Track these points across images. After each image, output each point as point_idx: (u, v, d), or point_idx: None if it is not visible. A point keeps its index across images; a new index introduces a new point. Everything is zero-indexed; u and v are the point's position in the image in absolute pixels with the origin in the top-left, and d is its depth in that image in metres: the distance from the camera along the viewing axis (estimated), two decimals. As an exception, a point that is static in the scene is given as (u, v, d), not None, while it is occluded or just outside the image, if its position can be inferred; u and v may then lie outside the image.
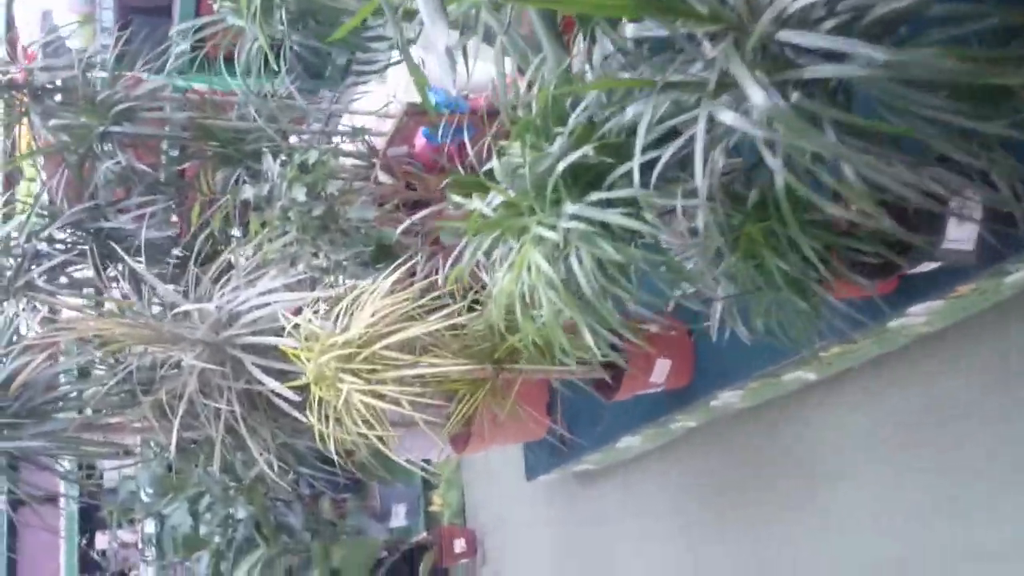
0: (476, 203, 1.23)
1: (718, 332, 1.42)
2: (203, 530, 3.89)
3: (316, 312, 1.89)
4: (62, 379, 2.38)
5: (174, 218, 2.71)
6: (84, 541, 5.74)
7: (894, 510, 1.75)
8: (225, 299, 2.21)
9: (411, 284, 1.89)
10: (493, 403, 2.01)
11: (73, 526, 6.11)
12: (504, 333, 1.92)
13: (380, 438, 1.80)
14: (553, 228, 1.06)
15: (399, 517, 4.08)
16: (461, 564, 4.02)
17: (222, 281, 2.27)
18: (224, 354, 2.24)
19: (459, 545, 3.92)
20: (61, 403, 2.32)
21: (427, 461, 4.18)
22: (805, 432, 1.97)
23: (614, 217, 1.01)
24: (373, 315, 1.78)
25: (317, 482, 4.04)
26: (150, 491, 4.36)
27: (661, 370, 2.04)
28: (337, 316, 1.83)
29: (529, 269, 1.08)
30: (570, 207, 1.06)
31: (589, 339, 1.07)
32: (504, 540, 3.72)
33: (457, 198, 1.53)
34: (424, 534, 4.07)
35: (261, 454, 2.22)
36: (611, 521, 2.85)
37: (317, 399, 1.83)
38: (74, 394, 2.41)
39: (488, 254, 1.35)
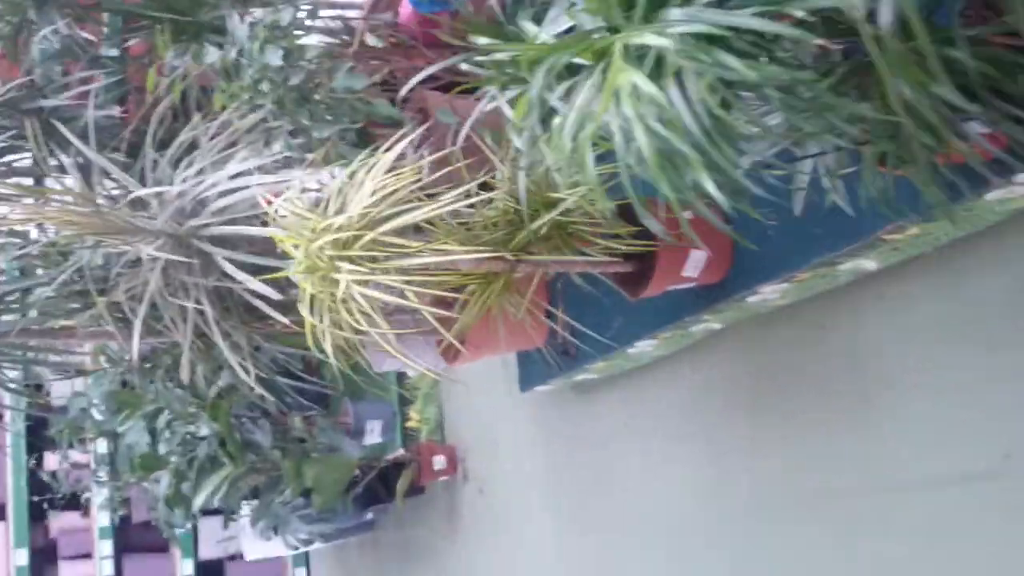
0: (533, 29, 0.97)
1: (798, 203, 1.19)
2: (162, 449, 3.65)
3: (301, 196, 1.63)
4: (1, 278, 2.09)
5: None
6: (33, 462, 5.45)
7: (971, 421, 1.56)
8: (189, 184, 1.92)
9: (409, 163, 1.61)
10: (507, 301, 1.77)
11: (20, 444, 5.82)
12: (529, 214, 1.68)
13: (382, 336, 1.56)
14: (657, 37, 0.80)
15: (374, 434, 3.87)
16: (440, 482, 3.84)
17: (183, 164, 1.98)
18: (190, 248, 1.97)
19: (438, 462, 3.74)
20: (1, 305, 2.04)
21: (403, 375, 3.96)
22: (859, 333, 1.77)
23: (746, 19, 0.76)
24: (374, 194, 1.52)
25: (286, 396, 3.81)
26: (102, 408, 4.09)
27: (696, 262, 1.82)
28: (328, 200, 1.57)
29: (618, 101, 0.83)
30: (676, 12, 0.81)
31: (710, 185, 0.83)
32: (488, 458, 3.54)
33: (486, 40, 1.26)
34: (401, 451, 3.87)
35: (237, 362, 1.96)
36: (614, 438, 2.66)
37: (308, 296, 1.58)
38: (14, 296, 2.12)
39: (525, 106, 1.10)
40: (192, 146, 2.03)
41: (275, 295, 1.85)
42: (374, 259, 1.53)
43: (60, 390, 5.74)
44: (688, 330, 2.13)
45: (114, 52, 2.21)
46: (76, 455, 5.47)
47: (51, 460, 6.05)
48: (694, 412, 2.31)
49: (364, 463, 3.74)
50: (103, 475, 4.87)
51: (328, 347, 1.57)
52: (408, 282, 1.54)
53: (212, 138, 1.91)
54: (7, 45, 2.11)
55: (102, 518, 6.08)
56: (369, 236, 1.49)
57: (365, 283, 1.51)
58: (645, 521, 2.54)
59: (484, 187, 1.79)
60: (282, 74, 1.75)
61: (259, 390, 2.58)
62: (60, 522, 6.21)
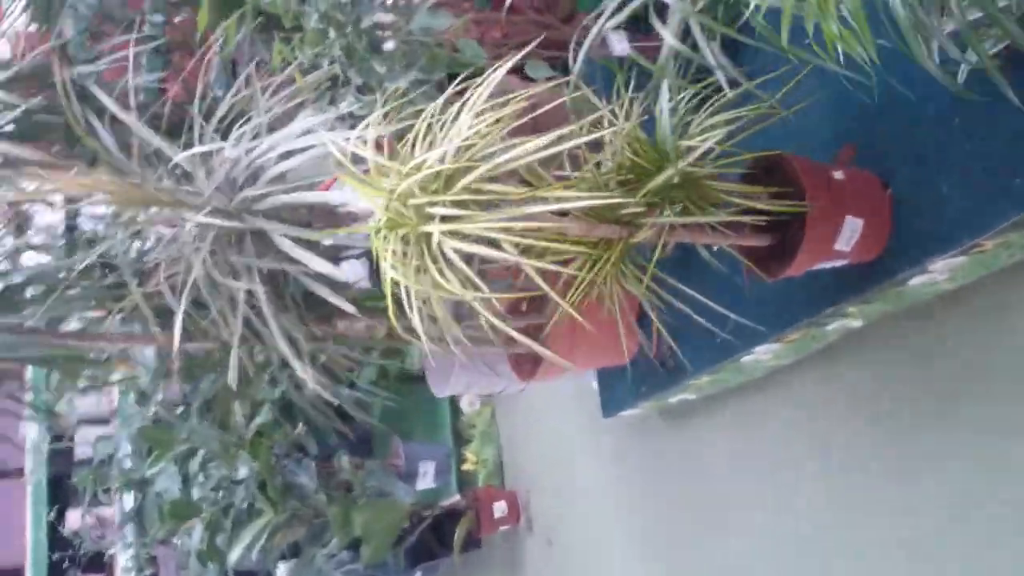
0: None
1: None
2: (195, 495, 3.35)
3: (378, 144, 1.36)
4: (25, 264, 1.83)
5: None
6: (52, 514, 5.16)
7: None
8: (241, 148, 1.67)
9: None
10: (618, 281, 1.48)
11: (41, 496, 5.55)
12: (650, 168, 1.40)
13: (487, 303, 1.27)
14: None
15: (427, 478, 3.55)
16: (501, 532, 3.50)
17: (234, 132, 1.73)
18: (242, 224, 1.70)
19: (499, 509, 3.40)
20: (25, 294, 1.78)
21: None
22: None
23: None
24: (471, 129, 1.25)
25: (330, 436, 3.51)
26: (130, 453, 3.81)
27: (851, 232, 1.52)
28: (414, 141, 1.30)
29: None
30: None
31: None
32: (558, 503, 3.20)
33: None
34: (457, 497, 3.54)
35: (292, 359, 1.68)
36: (718, 472, 2.33)
37: (389, 261, 1.30)
38: (34, 291, 1.86)
39: None
40: (243, 114, 1.78)
41: (341, 276, 1.57)
42: (472, 208, 1.25)
43: (84, 435, 5.49)
44: (823, 329, 1.82)
45: (158, 18, 1.99)
46: (100, 512, 5.19)
47: (73, 518, 5.77)
48: (824, 436, 1.98)
49: (417, 510, 3.41)
50: (129, 533, 4.58)
51: (416, 322, 1.28)
52: (511, 241, 1.26)
53: (270, 97, 1.65)
54: (38, 8, 1.89)
55: (126, 579, 5.74)
56: (470, 177, 1.21)
57: (461, 237, 1.23)
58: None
59: (594, 147, 1.52)
60: (352, 14, 1.51)
61: (312, 410, 2.30)
62: (83, 585, 5.88)
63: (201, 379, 3.65)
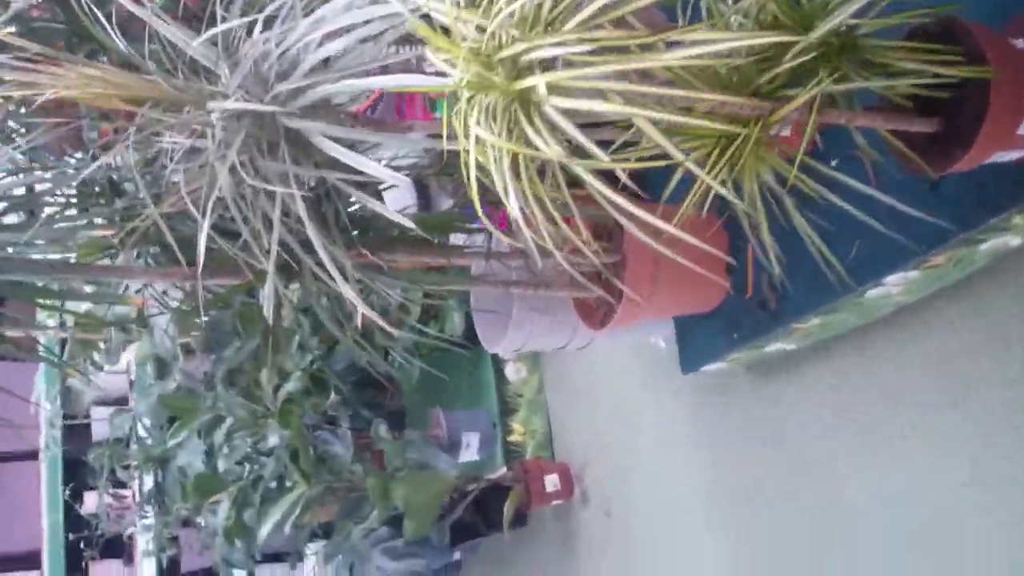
0: None
1: None
2: (221, 467, 3.09)
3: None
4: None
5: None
6: (68, 493, 4.94)
7: None
8: (273, 33, 1.38)
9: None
10: (756, 165, 1.18)
11: (56, 475, 5.32)
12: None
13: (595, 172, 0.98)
14: None
15: (470, 450, 3.28)
16: (551, 508, 3.22)
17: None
18: (275, 129, 1.42)
19: (551, 482, 3.13)
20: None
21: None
22: None
23: None
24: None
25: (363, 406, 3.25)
26: (149, 426, 3.57)
27: (1039, 111, 1.21)
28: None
29: None
30: None
31: None
32: (617, 473, 2.92)
33: None
34: (503, 470, 3.26)
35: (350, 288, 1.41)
36: (818, 435, 2.04)
37: (472, 127, 1.01)
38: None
39: None
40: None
41: (400, 178, 1.28)
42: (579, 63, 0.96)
43: (100, 415, 5.26)
44: (975, 249, 1.52)
45: None
46: (119, 493, 4.96)
47: (90, 500, 5.55)
48: (960, 389, 1.68)
49: (457, 486, 3.14)
50: (148, 512, 4.35)
51: (513, 208, 1.00)
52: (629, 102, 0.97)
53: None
54: None
55: (147, 567, 5.53)
56: (589, 10, 0.92)
57: (567, 92, 0.94)
58: (875, 553, 1.90)
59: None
60: None
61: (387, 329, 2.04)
62: (101, 572, 5.66)
63: (224, 347, 3.40)
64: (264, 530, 2.92)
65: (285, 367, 3.38)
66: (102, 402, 5.20)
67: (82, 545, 4.35)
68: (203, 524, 4.03)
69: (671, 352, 2.44)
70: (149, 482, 4.26)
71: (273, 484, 3.14)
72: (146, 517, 4.13)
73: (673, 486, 2.60)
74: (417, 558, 3.34)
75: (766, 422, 2.20)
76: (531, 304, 2.22)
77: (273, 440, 2.90)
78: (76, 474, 5.33)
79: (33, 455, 5.50)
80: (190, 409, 3.02)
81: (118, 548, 5.68)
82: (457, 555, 3.92)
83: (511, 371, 3.37)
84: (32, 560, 5.44)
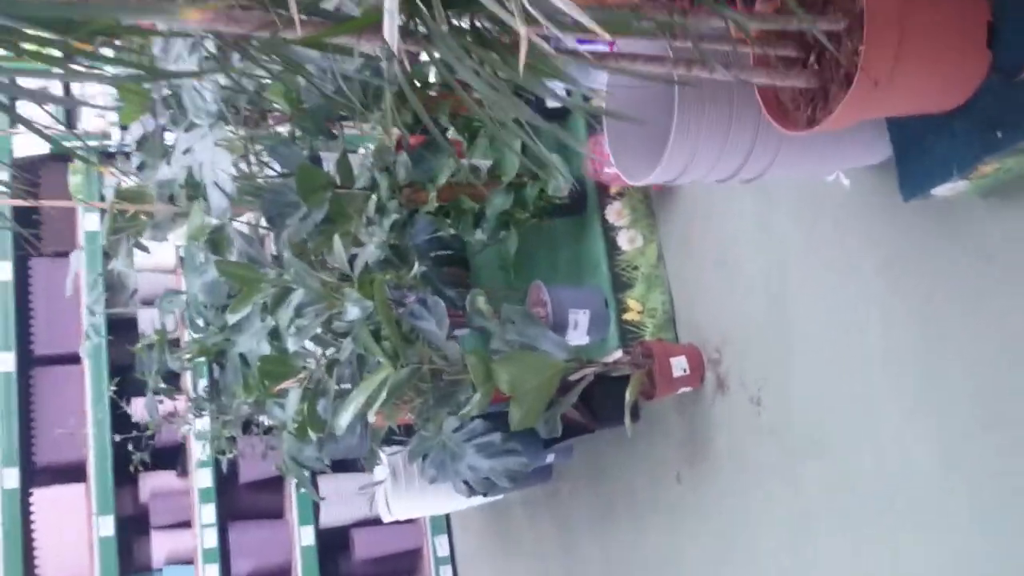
0: None
1: None
2: (290, 348, 2.67)
3: None
4: None
5: None
6: (114, 392, 4.59)
7: None
8: None
9: None
10: None
11: (101, 376, 5.01)
12: None
13: None
14: None
15: (579, 330, 2.83)
16: (677, 398, 2.77)
17: None
18: None
19: (678, 366, 2.68)
20: None
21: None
22: None
23: None
24: None
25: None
26: (204, 307, 3.16)
27: None
28: None
29: None
30: None
31: None
32: (765, 356, 2.45)
33: None
34: (617, 353, 2.82)
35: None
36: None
37: None
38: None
39: None
40: None
41: None
42: None
43: (145, 315, 4.89)
44: None
45: None
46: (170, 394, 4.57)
47: (140, 407, 5.22)
48: None
49: (571, 369, 2.70)
50: (204, 412, 3.99)
51: None
52: None
53: None
54: None
55: (202, 478, 5.22)
56: None
57: None
58: None
59: None
60: None
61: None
62: (152, 483, 5.38)
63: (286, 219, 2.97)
64: (343, 419, 2.50)
65: (359, 237, 2.95)
66: (148, 302, 4.81)
67: (131, 453, 3.98)
68: (267, 423, 3.67)
69: (860, 192, 1.95)
70: (204, 381, 3.88)
71: (349, 371, 2.72)
72: (201, 417, 3.75)
73: (851, 361, 2.13)
74: (516, 456, 2.93)
75: (1003, 271, 1.71)
76: (695, 108, 1.73)
77: (353, 313, 2.47)
78: (123, 378, 4.98)
79: (77, 358, 5.17)
80: (252, 280, 2.60)
81: (170, 458, 5.39)
82: (549, 458, 3.52)
83: (624, 239, 2.91)
84: (77, 472, 5.15)
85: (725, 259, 2.58)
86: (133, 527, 5.32)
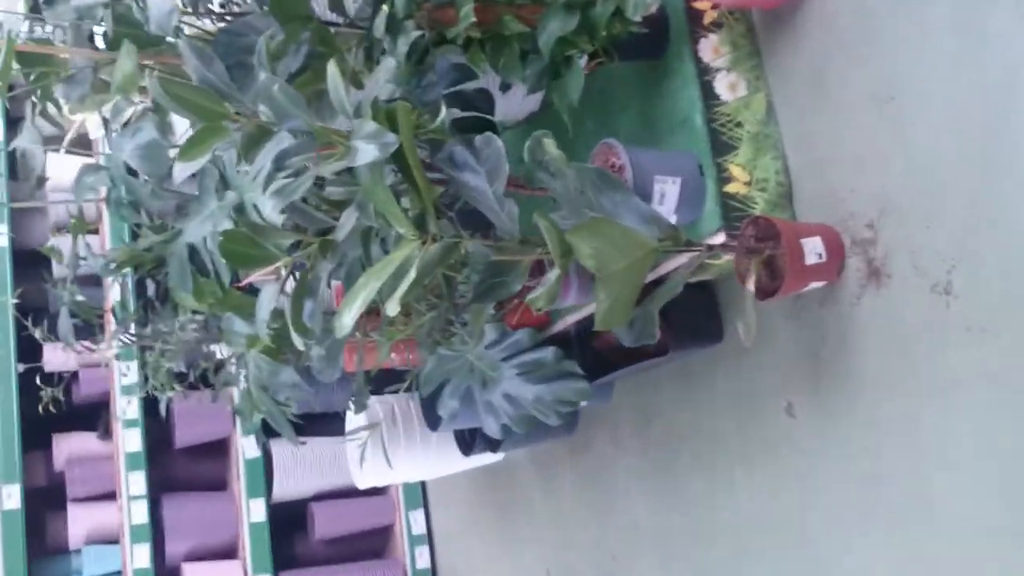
0: None
1: None
2: (265, 216, 1.90)
3: None
4: None
5: None
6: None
7: None
8: None
9: None
10: None
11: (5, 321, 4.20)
12: None
13: None
14: None
15: (667, 203, 2.10)
16: (804, 292, 2.07)
17: None
18: None
19: (812, 250, 1.97)
20: None
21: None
22: None
23: None
24: None
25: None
26: (137, 176, 2.35)
27: None
28: None
29: None
30: None
31: None
32: (946, 228, 1.75)
33: None
34: (718, 236, 2.10)
35: None
36: None
37: None
38: None
39: None
40: None
41: None
42: None
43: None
44: None
45: None
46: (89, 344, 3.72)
47: (53, 355, 4.37)
48: None
49: (660, 250, 1.96)
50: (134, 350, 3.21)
51: None
52: None
53: None
54: None
55: (130, 440, 4.40)
56: None
57: None
58: None
59: None
60: None
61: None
62: (69, 447, 4.54)
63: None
64: (348, 315, 1.74)
65: (359, 77, 2.19)
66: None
67: (41, 391, 3.15)
68: (218, 354, 2.88)
69: None
70: (134, 302, 3.05)
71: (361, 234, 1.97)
72: (128, 347, 2.94)
73: None
74: (574, 380, 2.19)
75: None
76: None
77: (365, 154, 1.69)
78: (33, 318, 4.07)
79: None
80: (212, 112, 1.81)
81: (90, 416, 4.55)
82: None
83: (723, 86, 2.19)
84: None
85: (894, 95, 1.87)
86: (45, 499, 4.47)
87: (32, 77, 2.56)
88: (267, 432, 4.38)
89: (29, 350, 4.12)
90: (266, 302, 2.02)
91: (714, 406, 2.45)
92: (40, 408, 3.02)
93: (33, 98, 2.65)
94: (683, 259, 2.02)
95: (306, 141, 1.86)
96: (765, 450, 2.31)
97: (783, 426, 2.24)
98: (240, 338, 2.34)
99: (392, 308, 1.72)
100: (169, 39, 2.33)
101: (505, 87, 2.32)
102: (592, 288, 2.74)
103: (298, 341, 1.93)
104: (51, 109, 2.67)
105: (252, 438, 4.36)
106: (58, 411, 3.31)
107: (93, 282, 3.89)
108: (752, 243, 2.02)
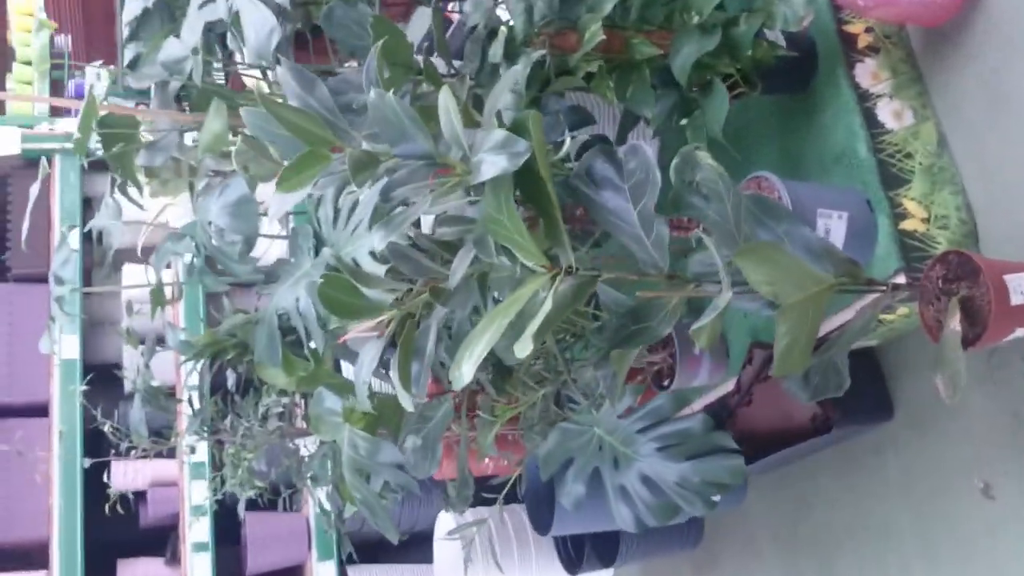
0: None
1: None
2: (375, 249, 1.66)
3: None
4: None
5: None
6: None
7: None
8: None
9: None
10: None
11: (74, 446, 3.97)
12: None
13: None
14: None
15: (833, 240, 1.81)
16: (1013, 339, 1.74)
17: None
18: None
19: (1018, 287, 1.65)
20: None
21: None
22: None
23: None
24: None
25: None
26: (224, 238, 2.14)
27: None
28: None
29: None
30: None
31: None
32: None
33: None
34: (897, 276, 1.80)
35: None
36: None
37: None
38: None
39: None
40: None
41: None
42: None
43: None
44: None
45: None
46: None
47: (120, 473, 4.13)
48: None
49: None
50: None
51: None
52: None
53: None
54: None
55: (199, 566, 4.09)
56: None
57: None
58: None
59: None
60: None
61: None
62: (134, 573, 4.24)
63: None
64: (468, 364, 1.46)
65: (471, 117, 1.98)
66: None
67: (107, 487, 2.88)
68: (303, 450, 2.61)
69: None
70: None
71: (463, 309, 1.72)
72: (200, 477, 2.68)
73: None
74: (728, 456, 1.86)
75: None
76: None
77: (490, 167, 1.44)
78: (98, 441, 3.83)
79: (41, 410, 4.12)
80: (315, 137, 1.60)
81: (157, 540, 4.27)
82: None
83: (886, 113, 1.93)
84: (38, 557, 4.03)
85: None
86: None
87: (113, 149, 2.42)
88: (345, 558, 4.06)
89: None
90: (368, 360, 1.76)
91: (885, 493, 2.09)
92: (106, 508, 2.75)
93: (113, 174, 2.50)
94: (860, 306, 1.72)
95: (419, 168, 1.63)
96: (954, 542, 1.92)
97: (979, 511, 1.87)
98: (332, 418, 2.06)
99: (523, 348, 1.44)
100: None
101: (627, 126, 2.09)
102: (724, 366, 2.44)
103: (406, 400, 1.66)
104: (132, 193, 2.51)
105: (330, 563, 4.04)
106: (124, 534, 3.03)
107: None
108: (936, 284, 1.71)
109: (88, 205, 4.38)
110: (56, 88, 4.78)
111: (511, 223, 1.52)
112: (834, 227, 1.82)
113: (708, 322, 1.42)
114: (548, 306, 1.45)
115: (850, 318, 1.80)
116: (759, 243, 1.54)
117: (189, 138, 2.40)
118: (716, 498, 1.89)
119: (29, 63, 4.76)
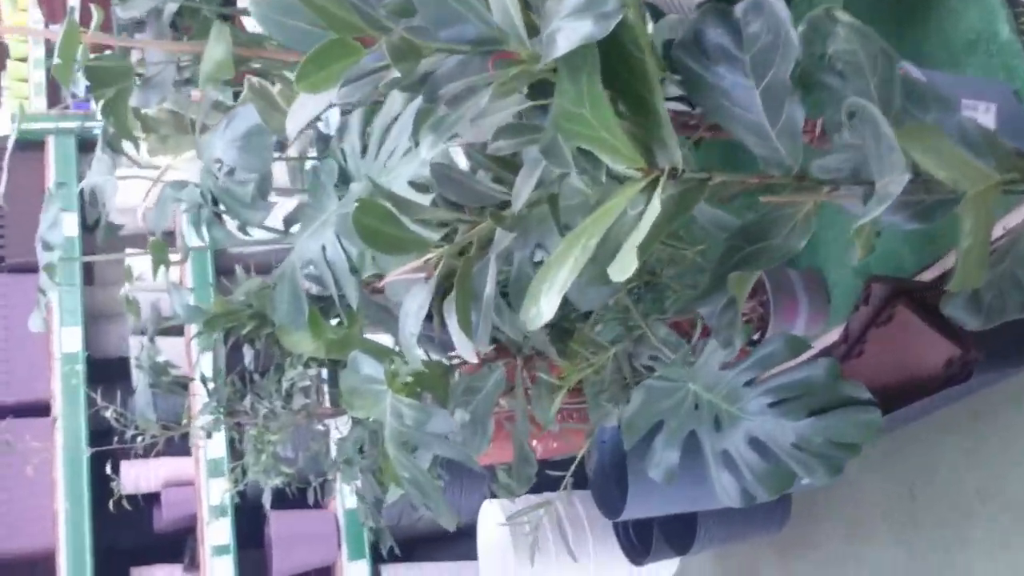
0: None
1: None
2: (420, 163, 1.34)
3: None
4: None
5: None
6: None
7: None
8: None
9: None
10: None
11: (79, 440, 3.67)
12: None
13: None
14: None
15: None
16: None
17: None
18: None
19: None
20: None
21: None
22: None
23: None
24: None
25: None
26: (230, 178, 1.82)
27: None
28: None
29: None
30: None
31: None
32: None
33: None
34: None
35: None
36: None
37: None
38: None
39: None
40: None
41: None
42: None
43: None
44: None
45: None
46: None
47: (129, 475, 3.83)
48: None
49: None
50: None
51: None
52: None
53: None
54: None
55: (220, 570, 3.79)
56: None
57: None
58: None
59: None
60: None
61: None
62: (150, 582, 3.94)
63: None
64: (549, 297, 1.14)
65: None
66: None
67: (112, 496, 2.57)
68: (334, 432, 2.30)
69: None
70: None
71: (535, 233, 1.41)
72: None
73: None
74: (861, 409, 1.52)
75: None
76: None
77: (569, 39, 1.12)
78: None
79: (45, 409, 3.82)
80: (341, 23, 1.28)
81: (174, 546, 3.97)
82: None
83: (1032, -13, 1.58)
84: (44, 568, 3.74)
85: None
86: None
87: (103, 100, 2.10)
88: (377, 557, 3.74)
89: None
90: (415, 309, 1.44)
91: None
92: (111, 505, 2.44)
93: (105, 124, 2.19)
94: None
95: (472, 59, 1.31)
96: None
97: None
98: (373, 386, 1.74)
99: (626, 266, 1.11)
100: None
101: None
102: (825, 314, 2.11)
103: (468, 350, 1.34)
104: (127, 148, 2.20)
105: (362, 563, 3.73)
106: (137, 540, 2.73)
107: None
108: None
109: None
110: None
111: (596, 115, 1.19)
112: (981, 120, 1.49)
113: (873, 217, 1.09)
114: (655, 209, 1.12)
115: (1017, 223, 1.47)
116: (918, 126, 1.21)
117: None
118: (843, 462, 1.56)
119: (24, 59, 4.67)
